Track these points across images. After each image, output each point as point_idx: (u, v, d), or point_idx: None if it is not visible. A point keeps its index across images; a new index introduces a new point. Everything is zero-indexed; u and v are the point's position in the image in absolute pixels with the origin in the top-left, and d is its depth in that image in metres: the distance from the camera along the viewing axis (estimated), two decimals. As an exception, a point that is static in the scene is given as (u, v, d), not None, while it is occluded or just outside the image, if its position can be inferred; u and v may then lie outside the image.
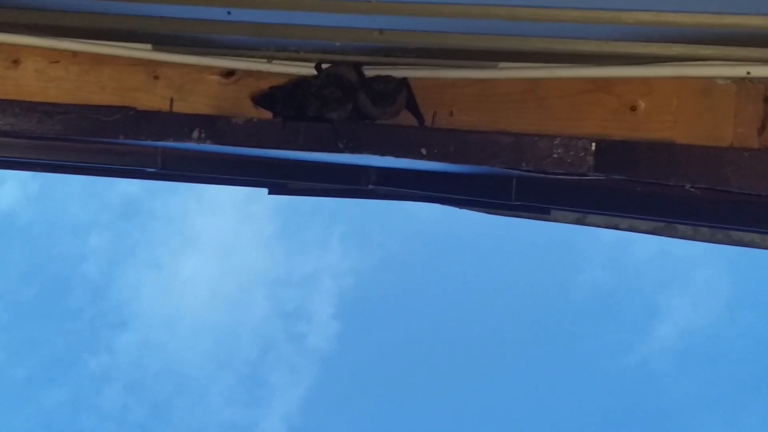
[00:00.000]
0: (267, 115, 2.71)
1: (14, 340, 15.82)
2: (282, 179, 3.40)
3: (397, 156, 2.60)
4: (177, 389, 16.24)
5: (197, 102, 2.83)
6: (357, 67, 2.64)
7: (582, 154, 2.39)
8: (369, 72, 2.67)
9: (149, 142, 2.84)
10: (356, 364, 16.43)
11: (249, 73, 2.80)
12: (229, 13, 2.38)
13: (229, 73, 2.82)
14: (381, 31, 2.44)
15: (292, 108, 2.62)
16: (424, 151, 2.54)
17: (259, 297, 17.08)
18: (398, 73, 2.66)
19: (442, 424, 15.70)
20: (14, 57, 2.90)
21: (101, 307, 16.30)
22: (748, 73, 2.30)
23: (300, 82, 2.64)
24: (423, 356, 16.09)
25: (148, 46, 2.81)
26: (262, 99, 2.67)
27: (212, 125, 2.71)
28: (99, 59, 2.86)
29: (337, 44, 2.56)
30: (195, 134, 2.72)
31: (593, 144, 2.38)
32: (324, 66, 2.67)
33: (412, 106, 2.68)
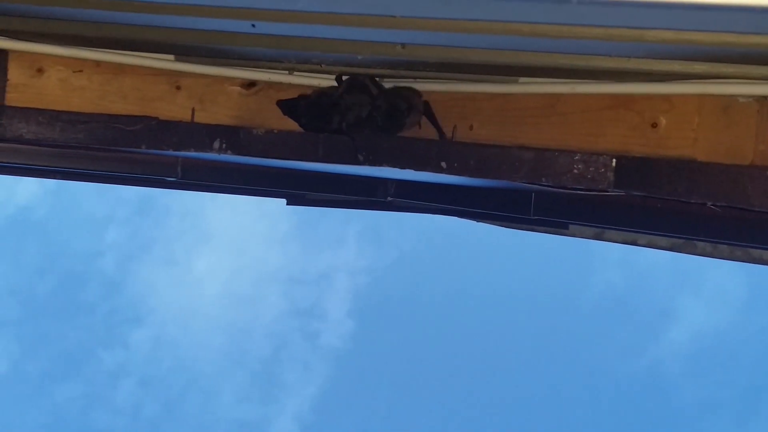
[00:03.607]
0: (288, 126, 2.73)
1: (29, 335, 15.88)
2: (301, 190, 3.42)
3: (416, 169, 2.61)
4: (190, 386, 16.27)
5: (218, 112, 2.85)
6: (374, 80, 2.65)
7: (602, 170, 2.39)
8: (389, 86, 2.69)
9: (170, 152, 2.86)
10: (370, 362, 16.43)
11: (270, 85, 2.82)
12: (253, 26, 2.39)
13: (250, 84, 2.84)
14: (404, 45, 2.45)
15: (316, 120, 2.64)
16: (443, 164, 2.55)
17: (273, 294, 17.11)
18: (419, 86, 2.67)
19: (455, 423, 15.68)
20: (38, 66, 2.93)
21: (116, 302, 16.36)
22: (771, 91, 2.30)
23: (323, 94, 2.65)
24: (436, 355, 16.08)
25: (171, 57, 2.83)
26: (287, 106, 2.68)
27: (233, 136, 2.72)
28: (121, 69, 2.88)
29: (359, 57, 2.57)
30: (216, 145, 2.73)
31: (614, 160, 2.38)
32: (345, 77, 2.68)
33: (432, 120, 2.69)
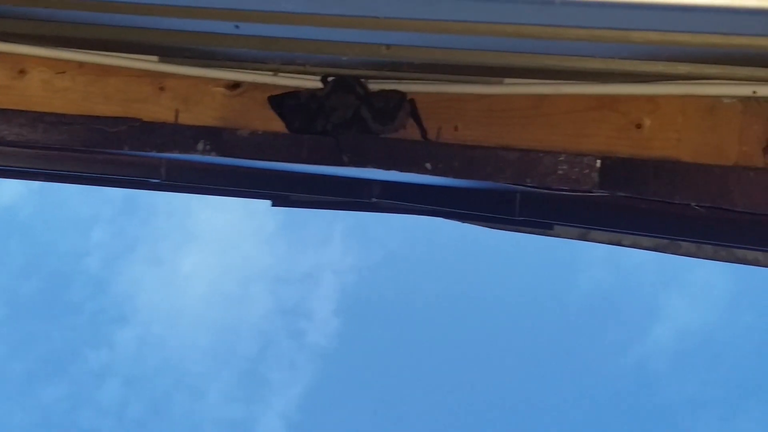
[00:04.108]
0: (272, 127, 2.72)
1: (14, 335, 15.81)
2: (286, 191, 3.41)
3: (401, 170, 2.61)
4: (176, 385, 16.24)
5: (203, 114, 2.84)
6: (360, 81, 2.65)
7: (587, 170, 2.40)
8: (374, 86, 2.69)
9: (154, 154, 2.85)
10: (356, 361, 16.43)
11: (255, 86, 2.80)
12: (237, 26, 2.39)
13: (234, 85, 2.83)
14: (388, 46, 2.44)
15: (300, 120, 2.63)
16: (428, 165, 2.55)
17: (259, 293, 17.08)
18: (404, 87, 2.67)
19: (442, 422, 15.71)
20: (20, 67, 2.90)
21: (102, 302, 16.31)
22: (754, 92, 2.31)
23: (311, 95, 2.65)
24: (423, 354, 16.10)
25: (155, 58, 2.82)
26: (276, 101, 2.68)
27: (217, 137, 2.72)
28: (105, 70, 2.87)
29: (344, 58, 2.57)
30: (200, 146, 2.73)
31: (598, 161, 2.38)
32: (330, 79, 2.68)
33: (417, 120, 2.69)
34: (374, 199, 3.31)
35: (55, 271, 16.17)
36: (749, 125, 2.34)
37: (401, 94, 2.64)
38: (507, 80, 2.59)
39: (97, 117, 2.81)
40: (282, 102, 2.69)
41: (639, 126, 2.46)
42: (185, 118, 2.85)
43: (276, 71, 2.77)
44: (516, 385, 15.84)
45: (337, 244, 17.03)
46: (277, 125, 2.73)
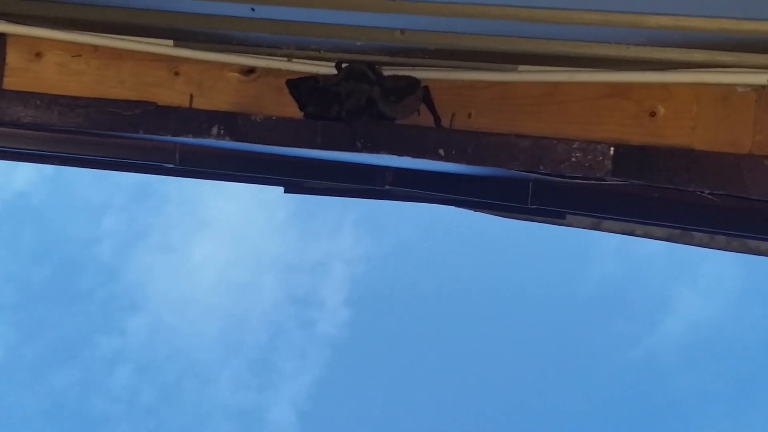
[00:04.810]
0: (286, 113, 2.73)
1: (26, 321, 15.89)
2: (298, 178, 3.42)
3: (414, 156, 2.61)
4: (187, 372, 16.31)
5: (217, 99, 2.85)
6: (373, 67, 2.66)
7: (600, 158, 2.39)
8: (387, 73, 2.69)
9: (168, 138, 2.86)
10: (366, 351, 16.45)
11: (269, 71, 2.82)
12: (253, 9, 2.39)
13: (249, 70, 2.84)
14: (402, 31, 2.44)
15: (315, 106, 2.64)
16: (442, 152, 2.55)
17: (270, 282, 17.14)
18: (418, 74, 2.67)
19: (451, 412, 15.71)
20: (37, 50, 2.92)
21: (113, 289, 16.37)
22: (769, 80, 2.30)
23: (327, 80, 2.65)
24: (433, 344, 16.10)
25: (169, 42, 2.83)
26: (293, 85, 2.68)
27: (231, 122, 2.73)
28: (120, 54, 2.88)
29: (358, 43, 2.57)
30: (214, 131, 2.74)
31: (612, 148, 2.38)
32: (344, 65, 2.68)
33: (430, 107, 2.69)
34: (387, 187, 3.32)
35: (67, 258, 16.25)
36: (763, 114, 2.33)
37: (414, 78, 2.64)
38: (521, 67, 2.59)
39: (113, 100, 2.83)
40: (299, 86, 2.69)
41: (653, 114, 2.45)
42: (200, 103, 2.86)
43: (290, 57, 2.77)
44: (525, 376, 15.83)
45: (348, 233, 17.06)
46: (291, 111, 2.73)
